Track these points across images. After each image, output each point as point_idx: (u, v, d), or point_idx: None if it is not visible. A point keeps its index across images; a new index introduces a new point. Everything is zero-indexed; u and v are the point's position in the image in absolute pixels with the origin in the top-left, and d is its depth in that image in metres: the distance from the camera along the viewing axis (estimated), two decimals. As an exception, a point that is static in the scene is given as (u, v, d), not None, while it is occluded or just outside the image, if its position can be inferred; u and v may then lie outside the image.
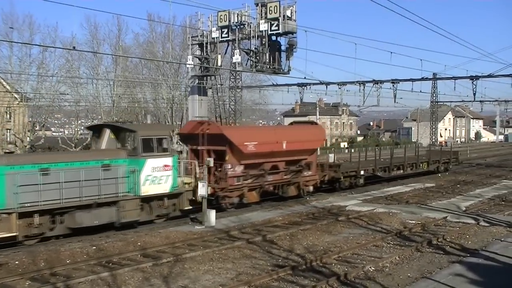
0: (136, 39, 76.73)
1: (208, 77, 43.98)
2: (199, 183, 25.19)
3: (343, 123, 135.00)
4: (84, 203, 21.98)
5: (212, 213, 24.67)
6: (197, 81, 43.43)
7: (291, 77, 45.75)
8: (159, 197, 24.88)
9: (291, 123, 38.41)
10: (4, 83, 59.92)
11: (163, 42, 70.57)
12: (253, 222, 25.38)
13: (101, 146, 24.72)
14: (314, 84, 54.17)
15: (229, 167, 28.11)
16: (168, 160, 24.83)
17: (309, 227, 23.91)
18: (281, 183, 31.44)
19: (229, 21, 39.68)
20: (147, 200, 24.44)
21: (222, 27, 40.43)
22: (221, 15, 40.10)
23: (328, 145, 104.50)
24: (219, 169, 28.16)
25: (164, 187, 24.78)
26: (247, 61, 39.84)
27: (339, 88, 55.33)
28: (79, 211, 21.81)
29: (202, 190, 24.75)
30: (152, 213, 24.91)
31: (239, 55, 37.72)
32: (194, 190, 25.91)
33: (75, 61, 64.61)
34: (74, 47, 29.48)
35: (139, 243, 20.97)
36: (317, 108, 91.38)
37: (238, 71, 45.89)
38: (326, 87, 55.23)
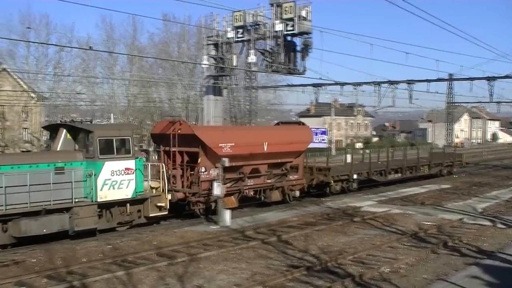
0: (151, 39, 77.11)
1: (223, 77, 44.08)
2: (214, 182, 24.99)
3: (358, 123, 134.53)
4: (32, 209, 20.16)
5: (227, 213, 24.67)
6: (212, 81, 43.55)
7: (306, 78, 45.82)
8: (121, 203, 23.00)
9: (277, 123, 36.46)
10: (21, 82, 60.44)
11: (178, 42, 70.96)
12: (268, 222, 25.36)
13: (56, 147, 22.79)
14: (329, 84, 54.08)
15: (203, 170, 26.23)
16: (130, 163, 22.86)
17: (324, 228, 23.86)
18: (263, 188, 29.47)
19: (244, 21, 39.78)
20: (107, 206, 22.61)
21: (237, 27, 40.53)
22: (236, 15, 40.20)
23: (344, 145, 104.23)
24: (191, 172, 26.51)
25: (126, 192, 22.80)
26: (262, 61, 39.90)
27: (354, 89, 55.18)
28: (25, 219, 19.90)
29: (217, 190, 24.67)
30: (113, 221, 23.06)
31: (255, 55, 37.72)
32: (161, 195, 24.35)
33: (91, 61, 65.23)
34: (90, 47, 29.69)
35: (154, 242, 21.04)
36: (332, 109, 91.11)
37: (254, 71, 45.94)
38: (341, 87, 55.11)
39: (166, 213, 24.56)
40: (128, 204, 23.24)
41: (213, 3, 37.40)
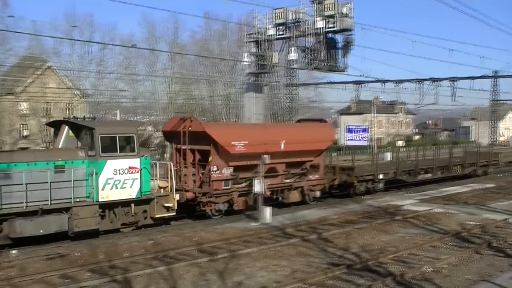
0: (192, 37, 77.70)
1: (264, 75, 44.11)
2: (255, 179, 25.00)
3: (400, 121, 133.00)
4: (28, 209, 19.47)
5: (267, 210, 24.69)
6: (253, 79, 43.62)
7: (347, 75, 45.38)
8: (125, 204, 22.07)
9: (298, 121, 35.22)
10: (66, 80, 61.67)
11: (219, 39, 71.21)
12: (308, 220, 25.29)
13: (58, 144, 22.18)
14: (370, 81, 53.74)
15: (214, 169, 25.28)
16: (135, 162, 21.87)
17: (364, 226, 23.67)
18: (280, 188, 28.27)
19: (286, 18, 39.72)
20: (110, 206, 21.74)
21: (278, 25, 40.51)
22: (277, 13, 40.21)
23: (385, 143, 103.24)
24: (203, 171, 25.72)
25: (129, 192, 21.83)
26: (303, 59, 39.81)
27: (396, 86, 54.62)
28: (21, 219, 19.26)
29: (258, 187, 24.69)
30: (116, 221, 22.18)
31: (295, 53, 37.64)
32: (169, 195, 23.37)
33: (133, 58, 66.05)
34: (135, 45, 30.01)
35: (195, 239, 21.18)
36: (374, 106, 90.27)
37: (295, 68, 45.81)
38: (383, 85, 54.64)
39: (173, 214, 23.65)
40: (132, 205, 22.25)
41: (254, 1, 37.49)
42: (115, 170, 21.36)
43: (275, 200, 28.04)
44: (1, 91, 56.49)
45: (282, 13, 40.04)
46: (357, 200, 31.40)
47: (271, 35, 41.21)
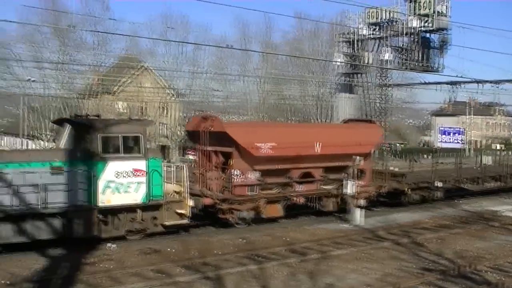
0: (284, 37, 78.08)
1: (356, 75, 43.71)
2: (347, 181, 24.60)
3: (498, 123, 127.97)
4: (18, 213, 18.00)
5: (358, 212, 24.44)
6: (345, 79, 43.31)
7: (442, 75, 44.03)
8: (130, 209, 20.22)
9: (346, 121, 32.58)
10: (161, 79, 63.61)
11: (311, 39, 71.15)
12: (400, 223, 24.81)
13: (60, 144, 20.69)
14: (466, 82, 51.98)
15: (237, 173, 23.27)
16: (140, 164, 20.00)
17: (459, 231, 22.98)
18: (317, 195, 25.79)
19: (379, 18, 39.20)
20: (113, 212, 19.94)
21: (371, 24, 40.02)
22: (370, 12, 39.71)
23: (481, 146, 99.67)
24: (225, 175, 23.76)
25: (134, 197, 19.96)
26: (395, 59, 39.14)
27: (495, 87, 52.58)
28: (3, 224, 17.85)
29: (349, 188, 24.39)
30: (121, 228, 20.28)
31: (390, 53, 37.07)
32: (183, 201, 21.38)
33: (227, 58, 67.20)
34: (230, 45, 30.38)
35: (286, 239, 21.25)
36: (470, 108, 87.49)
37: (389, 68, 45.08)
38: (480, 85, 52.73)
39: (186, 221, 21.59)
40: (139, 211, 20.37)
41: (347, 0, 37.18)
42: (117, 173, 19.58)
43: (311, 208, 26.24)
44: (100, 91, 58.96)
45: (375, 13, 39.54)
46: (451, 204, 30.49)
47: (364, 34, 40.75)
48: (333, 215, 26.15)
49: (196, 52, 65.02)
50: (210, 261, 17.52)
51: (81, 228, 19.05)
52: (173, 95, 63.88)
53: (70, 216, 18.86)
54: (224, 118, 68.82)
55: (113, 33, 47.47)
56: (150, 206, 20.49)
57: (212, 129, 23.60)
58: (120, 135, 19.89)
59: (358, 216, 24.34)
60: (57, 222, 18.64)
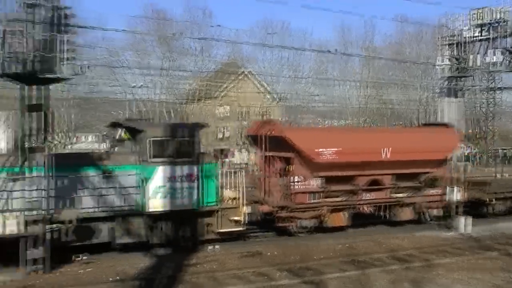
0: (385, 41, 76.94)
1: (461, 78, 42.34)
2: (450, 188, 23.81)
3: None
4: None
5: (463, 220, 23.63)
6: (449, 83, 42.04)
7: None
8: (181, 215, 19.59)
9: (422, 125, 30.11)
10: (264, 84, 64.36)
11: (413, 42, 69.74)
12: (507, 233, 23.70)
13: (113, 148, 20.53)
14: None
15: (298, 180, 22.42)
16: (192, 169, 19.48)
17: None
18: (386, 203, 24.45)
19: (485, 19, 37.80)
20: (163, 217, 19.33)
21: (476, 26, 38.65)
22: (476, 13, 38.35)
23: None
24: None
25: (185, 203, 19.47)
26: (503, 60, 37.61)
27: None
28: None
29: (454, 195, 23.58)
30: (171, 235, 19.69)
31: (500, 55, 35.61)
32: (237, 208, 20.54)
33: (329, 62, 67.12)
34: (335, 50, 29.98)
35: (387, 245, 20.92)
36: None
37: (498, 71, 43.29)
38: None
39: (241, 228, 20.78)
40: (191, 217, 19.85)
41: (451, 2, 36.22)
42: (167, 178, 19.13)
43: (379, 218, 24.92)
44: (203, 96, 60.44)
45: (481, 14, 38.12)
46: None
47: (469, 37, 39.39)
48: (435, 223, 25.33)
49: (295, 57, 65.35)
50: (310, 266, 17.54)
51: (129, 234, 18.77)
52: (274, 99, 64.45)
53: (117, 221, 18.59)
54: (324, 123, 68.83)
55: (216, 40, 48.40)
56: (202, 213, 19.93)
57: (272, 133, 22.89)
58: (171, 139, 19.39)
59: (463, 224, 23.53)
60: (104, 227, 18.39)
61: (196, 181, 19.56)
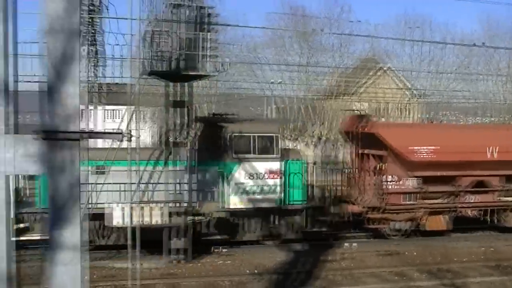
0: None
1: None
2: None
3: None
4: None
5: None
6: None
7: None
8: (264, 213, 19.12)
9: None
10: (403, 80, 62.95)
11: None
12: None
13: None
14: None
15: (391, 179, 21.10)
16: (275, 165, 18.96)
17: None
18: (493, 207, 22.17)
19: None
20: (246, 215, 19.01)
21: None
22: None
23: None
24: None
25: (267, 200, 18.97)
26: None
27: None
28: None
29: None
30: (254, 232, 19.35)
31: None
32: (324, 207, 20.20)
33: (473, 57, 64.34)
34: (483, 43, 28.56)
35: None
36: None
37: None
38: None
39: (324, 230, 20.49)
40: (274, 215, 19.32)
41: None
42: (249, 174, 18.87)
43: (484, 223, 22.67)
44: (341, 92, 60.10)
45: None
46: None
47: None
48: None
49: (436, 52, 63.14)
50: (453, 268, 16.93)
51: (208, 230, 18.63)
52: (414, 95, 62.76)
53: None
54: (468, 120, 65.96)
55: (356, 35, 47.84)
56: (287, 211, 19.42)
57: (364, 129, 21.60)
58: (253, 135, 18.95)
59: None
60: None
61: (279, 178, 19.15)
